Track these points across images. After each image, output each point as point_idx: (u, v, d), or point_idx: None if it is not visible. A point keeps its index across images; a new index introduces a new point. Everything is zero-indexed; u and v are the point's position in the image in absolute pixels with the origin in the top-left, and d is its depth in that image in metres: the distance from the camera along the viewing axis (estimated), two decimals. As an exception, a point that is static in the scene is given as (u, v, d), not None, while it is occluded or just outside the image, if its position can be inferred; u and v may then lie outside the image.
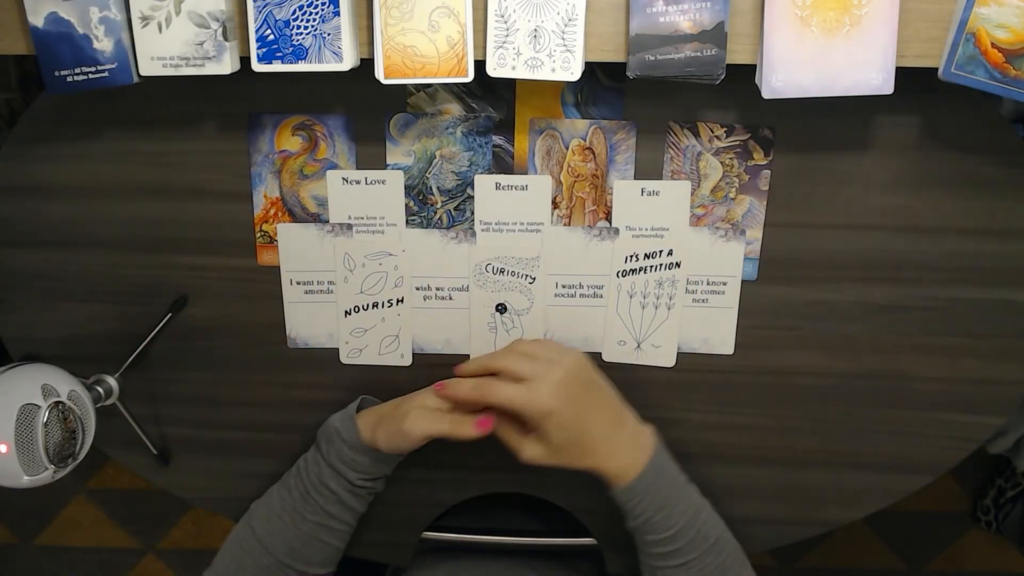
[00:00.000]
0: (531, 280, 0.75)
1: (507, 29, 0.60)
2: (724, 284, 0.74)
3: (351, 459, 0.71)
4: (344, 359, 0.78)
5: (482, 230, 0.74)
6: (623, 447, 0.67)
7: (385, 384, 0.78)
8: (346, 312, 0.77)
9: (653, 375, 0.77)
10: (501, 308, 0.76)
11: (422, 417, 0.68)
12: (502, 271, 0.75)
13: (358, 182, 0.73)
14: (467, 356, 0.78)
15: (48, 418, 0.66)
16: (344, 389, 0.78)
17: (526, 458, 0.67)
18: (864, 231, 0.72)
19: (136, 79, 0.64)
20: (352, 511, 0.74)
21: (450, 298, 0.76)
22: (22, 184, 0.75)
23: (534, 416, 0.65)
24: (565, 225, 0.73)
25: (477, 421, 0.68)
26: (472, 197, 0.73)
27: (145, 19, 0.62)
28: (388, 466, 0.74)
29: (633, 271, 0.74)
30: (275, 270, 0.76)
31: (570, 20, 0.60)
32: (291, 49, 0.61)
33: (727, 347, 0.76)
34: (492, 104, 0.71)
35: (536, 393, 0.65)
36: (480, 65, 0.62)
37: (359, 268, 0.75)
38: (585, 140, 0.71)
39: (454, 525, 0.84)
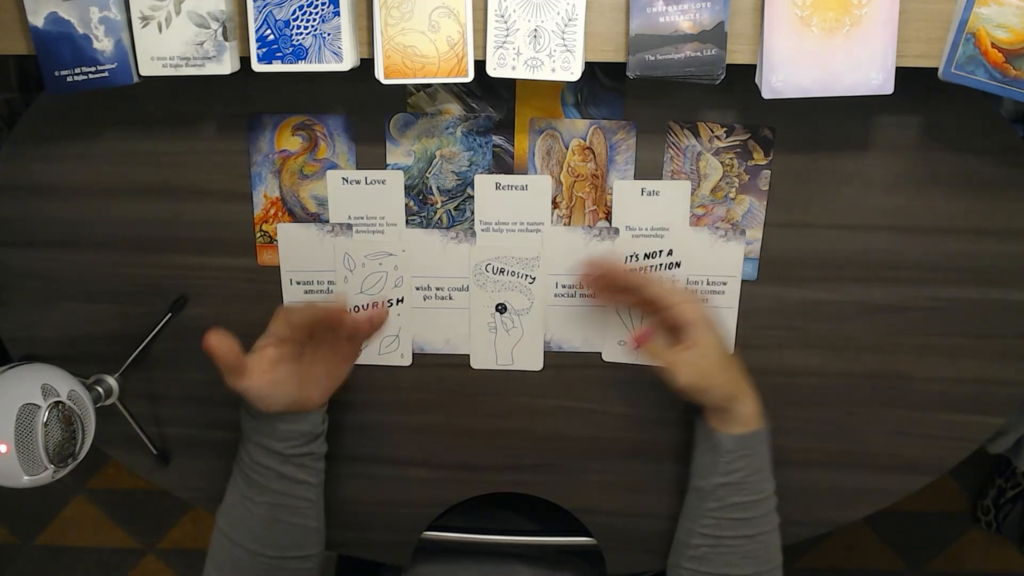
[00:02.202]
0: (531, 280, 0.75)
1: (507, 29, 0.60)
2: (724, 284, 0.74)
3: (266, 428, 0.69)
4: (344, 359, 0.78)
5: (482, 230, 0.74)
6: (754, 393, 0.69)
7: (385, 384, 0.78)
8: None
9: (653, 375, 0.77)
10: (501, 308, 0.76)
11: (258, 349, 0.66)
12: (502, 271, 0.75)
13: (358, 182, 0.73)
14: (467, 356, 0.78)
15: (48, 418, 0.66)
16: (344, 389, 0.78)
17: (683, 380, 0.67)
18: (864, 231, 0.72)
19: (136, 79, 0.64)
20: (300, 483, 0.71)
21: (450, 298, 0.76)
22: (22, 184, 0.75)
23: (694, 317, 0.66)
24: (565, 225, 0.73)
25: (637, 336, 0.69)
26: (472, 197, 0.73)
27: (145, 19, 0.62)
28: (307, 423, 0.70)
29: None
30: (275, 270, 0.76)
31: (570, 20, 0.60)
32: (291, 49, 0.61)
33: (727, 347, 0.76)
34: (492, 104, 0.71)
35: (692, 299, 0.67)
36: (480, 65, 0.62)
37: (359, 268, 0.75)
38: (585, 140, 0.71)
39: (454, 525, 0.84)
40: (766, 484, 0.69)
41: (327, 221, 0.74)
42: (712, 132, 0.70)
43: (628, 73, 0.61)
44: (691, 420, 0.78)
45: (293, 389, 0.67)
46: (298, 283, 0.76)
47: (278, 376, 0.66)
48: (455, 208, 0.74)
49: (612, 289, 0.71)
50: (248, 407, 0.69)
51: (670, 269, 0.74)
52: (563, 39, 0.60)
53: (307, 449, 0.71)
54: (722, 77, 0.60)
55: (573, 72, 0.61)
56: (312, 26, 0.61)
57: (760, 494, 0.69)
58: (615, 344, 0.76)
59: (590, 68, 0.69)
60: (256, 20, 0.61)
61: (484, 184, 0.73)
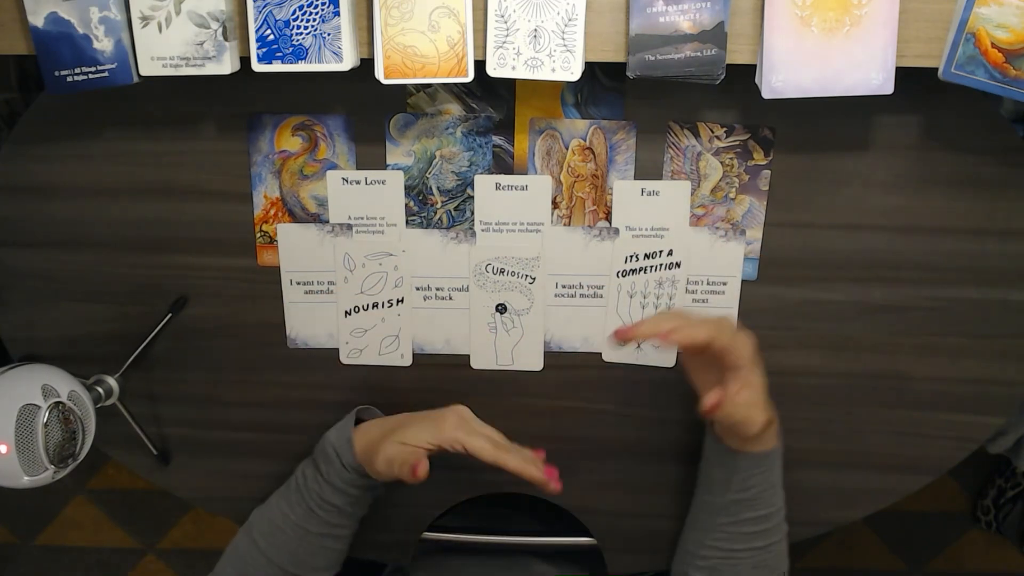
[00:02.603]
0: (531, 280, 0.75)
1: (507, 29, 0.60)
2: (724, 284, 0.74)
3: (352, 479, 0.70)
4: (344, 359, 0.78)
5: (482, 230, 0.74)
6: (773, 412, 0.66)
7: (385, 384, 0.78)
8: (346, 312, 0.77)
9: (653, 375, 0.77)
10: (501, 308, 0.76)
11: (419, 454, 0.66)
12: (502, 271, 0.75)
13: (358, 182, 0.73)
14: (467, 356, 0.78)
15: (48, 418, 0.66)
16: (344, 389, 0.78)
17: (737, 418, 0.62)
18: (864, 231, 0.72)
19: (136, 79, 0.64)
20: (356, 516, 0.74)
21: (450, 298, 0.76)
22: (22, 184, 0.75)
23: (751, 348, 0.61)
24: (565, 225, 0.73)
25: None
26: (472, 197, 0.73)
27: (145, 19, 0.62)
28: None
29: (633, 271, 0.74)
30: (275, 270, 0.76)
31: (570, 20, 0.60)
32: (291, 49, 0.61)
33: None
34: (492, 104, 0.71)
35: (738, 334, 0.61)
36: (480, 65, 0.62)
37: (359, 268, 0.75)
38: (585, 140, 0.71)
39: (454, 525, 0.84)
40: (777, 498, 0.70)
41: (327, 221, 0.74)
42: (712, 132, 0.70)
43: (628, 73, 0.61)
44: (690, 421, 0.78)
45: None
46: (298, 283, 0.76)
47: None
48: (455, 208, 0.74)
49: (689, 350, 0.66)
50: (343, 451, 0.70)
51: (670, 269, 0.74)
52: (563, 39, 0.60)
53: (376, 489, 0.73)
54: (722, 77, 0.60)
55: (573, 72, 0.60)
56: (312, 26, 0.61)
57: (772, 507, 0.69)
58: (615, 344, 0.76)
59: (590, 68, 0.69)
60: (256, 20, 0.61)
61: (484, 184, 0.73)
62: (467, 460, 0.80)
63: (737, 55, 0.61)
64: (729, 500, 0.69)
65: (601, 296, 0.75)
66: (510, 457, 0.65)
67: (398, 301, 0.76)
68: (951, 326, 0.74)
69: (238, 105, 0.72)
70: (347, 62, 0.62)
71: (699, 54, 0.60)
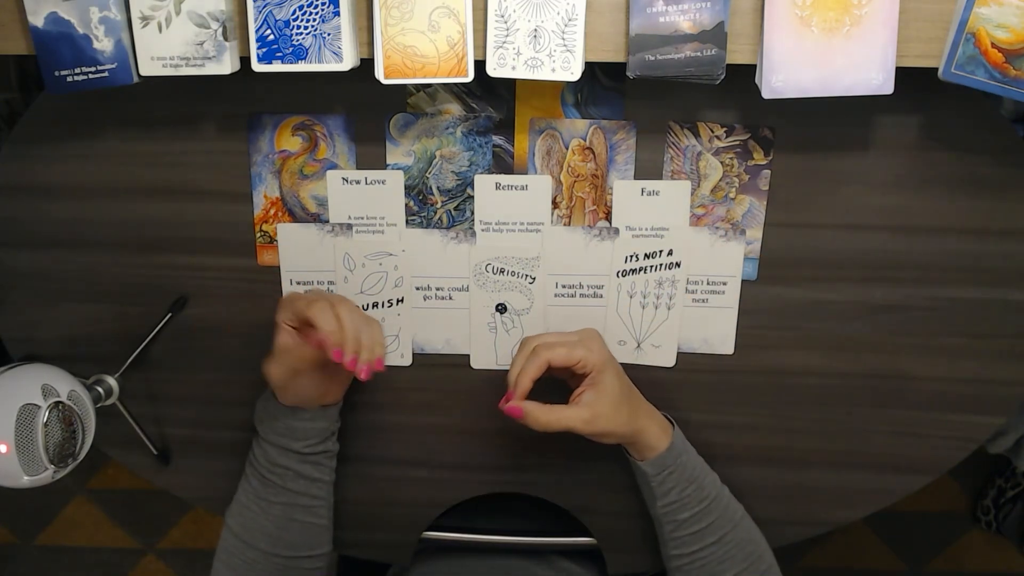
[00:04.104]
0: (531, 280, 0.75)
1: (507, 29, 0.60)
2: (724, 284, 0.74)
3: (284, 428, 0.70)
4: (344, 359, 0.78)
5: (482, 230, 0.74)
6: (654, 414, 0.70)
7: (385, 384, 0.78)
8: (346, 312, 0.77)
9: (653, 375, 0.77)
10: (501, 308, 0.76)
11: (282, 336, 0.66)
12: (502, 271, 0.75)
13: (358, 182, 0.73)
14: (467, 356, 0.78)
15: (48, 418, 0.66)
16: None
17: (583, 424, 0.65)
18: (864, 231, 0.72)
19: (136, 79, 0.64)
20: (316, 481, 0.72)
21: (450, 298, 0.76)
22: (22, 184, 0.75)
23: (596, 364, 0.66)
24: (565, 225, 0.73)
25: (508, 408, 0.66)
26: (472, 197, 0.73)
27: (145, 19, 0.62)
28: (326, 420, 0.72)
29: (633, 271, 0.74)
30: (275, 270, 0.76)
31: (570, 20, 0.60)
32: (291, 49, 0.61)
33: (727, 347, 0.76)
34: (492, 104, 0.71)
35: (591, 345, 0.66)
36: (480, 65, 0.62)
37: (359, 268, 0.75)
38: (585, 140, 0.71)
39: (454, 525, 0.84)
40: (707, 490, 0.70)
41: (327, 221, 0.74)
42: (712, 132, 0.70)
43: (628, 73, 0.61)
44: (690, 420, 0.78)
45: (314, 382, 0.68)
46: (298, 283, 0.76)
47: (298, 365, 0.67)
48: (455, 208, 0.74)
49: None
50: (267, 404, 0.70)
51: (670, 269, 0.74)
52: (563, 39, 0.60)
53: (323, 447, 0.72)
54: (722, 77, 0.60)
55: (573, 72, 0.61)
56: (312, 26, 0.61)
57: (704, 502, 0.69)
58: (615, 344, 0.76)
59: (590, 68, 0.69)
60: (256, 20, 0.61)
61: (484, 184, 0.73)
62: (467, 460, 0.80)
63: (737, 55, 0.61)
64: (660, 510, 0.70)
65: (601, 296, 0.75)
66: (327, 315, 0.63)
67: (398, 301, 0.76)
68: (951, 326, 0.74)
69: (238, 105, 0.72)
70: (347, 62, 0.62)
71: (699, 54, 0.60)
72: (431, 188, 0.73)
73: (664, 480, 0.69)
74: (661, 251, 0.73)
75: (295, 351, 0.66)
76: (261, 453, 0.71)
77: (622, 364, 0.77)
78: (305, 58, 0.62)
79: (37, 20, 0.62)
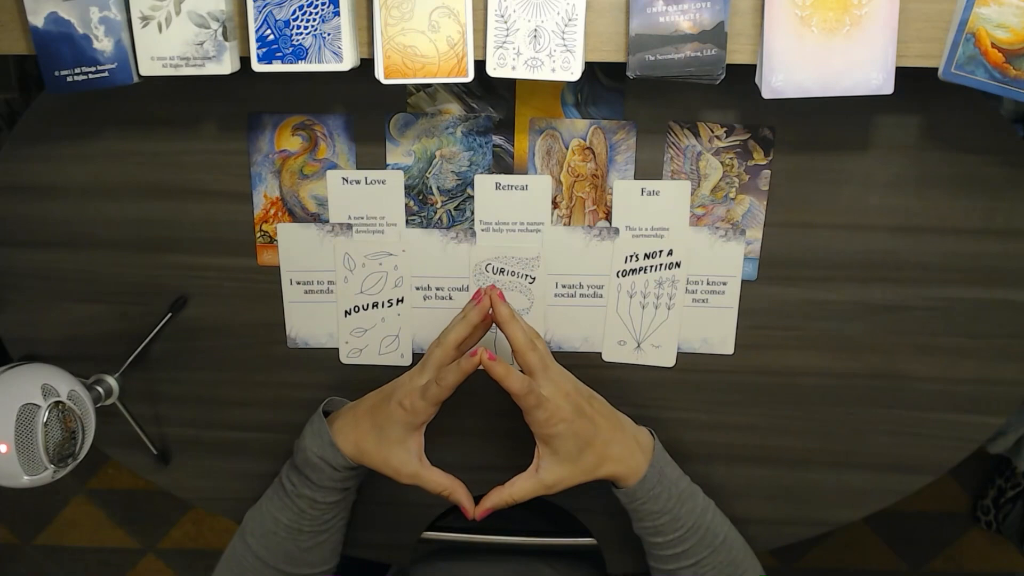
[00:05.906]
0: (531, 280, 0.75)
1: (507, 29, 0.60)
2: (724, 284, 0.74)
3: (345, 476, 0.70)
4: (344, 359, 0.78)
5: (482, 230, 0.74)
6: (628, 448, 0.68)
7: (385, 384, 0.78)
8: (346, 312, 0.77)
9: (653, 375, 0.77)
10: (501, 308, 0.76)
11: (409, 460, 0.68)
12: (502, 271, 0.75)
13: (358, 182, 0.73)
14: (467, 356, 0.78)
15: (48, 418, 0.66)
16: (344, 389, 0.78)
17: (549, 482, 0.67)
18: (864, 231, 0.72)
19: (136, 79, 0.64)
20: (349, 503, 0.74)
21: (450, 298, 0.76)
22: (22, 184, 0.75)
23: (552, 416, 0.64)
24: (565, 225, 0.73)
25: (485, 354, 0.64)
26: (472, 197, 0.73)
27: (145, 19, 0.62)
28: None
29: (633, 271, 0.74)
30: (275, 270, 0.76)
31: (570, 20, 0.60)
32: (291, 49, 0.61)
33: (727, 347, 0.76)
34: (492, 104, 0.71)
35: (551, 406, 0.64)
36: (480, 65, 0.62)
37: (359, 268, 0.75)
38: (585, 140, 0.71)
39: (454, 525, 0.84)
40: (682, 520, 0.68)
41: (327, 221, 0.74)
42: (712, 132, 0.70)
43: (628, 73, 0.61)
44: (690, 420, 0.78)
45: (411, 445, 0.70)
46: (298, 283, 0.76)
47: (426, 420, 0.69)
48: (455, 208, 0.74)
49: None
50: (349, 462, 0.69)
51: (670, 269, 0.74)
52: (563, 39, 0.60)
53: (359, 481, 0.74)
54: (722, 77, 0.60)
55: (573, 72, 0.61)
56: (312, 26, 0.61)
57: (679, 531, 0.68)
58: (615, 344, 0.76)
59: (590, 68, 0.69)
60: (256, 20, 0.61)
61: (484, 184, 0.73)
62: (467, 460, 0.80)
63: (737, 55, 0.61)
64: (639, 532, 0.70)
65: (601, 296, 0.75)
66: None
67: (398, 301, 0.76)
68: (951, 326, 0.74)
69: (238, 105, 0.72)
70: (347, 62, 0.62)
71: (699, 54, 0.60)
72: (431, 188, 0.73)
73: (637, 508, 0.68)
74: (661, 251, 0.73)
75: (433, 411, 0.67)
76: (309, 494, 0.70)
77: (621, 364, 0.77)
78: (305, 58, 0.62)
79: (37, 20, 0.62)
